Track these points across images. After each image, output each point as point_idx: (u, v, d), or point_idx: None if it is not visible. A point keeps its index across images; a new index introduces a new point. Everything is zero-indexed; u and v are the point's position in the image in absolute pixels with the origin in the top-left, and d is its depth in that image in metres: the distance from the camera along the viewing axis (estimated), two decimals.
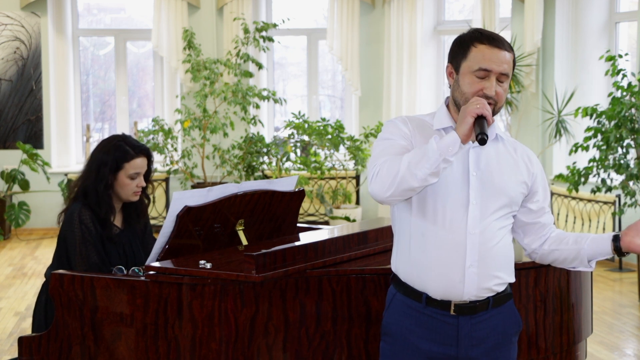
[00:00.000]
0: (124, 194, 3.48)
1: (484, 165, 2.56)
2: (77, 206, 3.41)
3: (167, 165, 9.40)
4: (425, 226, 2.54)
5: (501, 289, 2.62)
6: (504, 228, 2.60)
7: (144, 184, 3.50)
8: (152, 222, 3.76)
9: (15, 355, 4.18)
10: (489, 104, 2.47)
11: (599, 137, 6.57)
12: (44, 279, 3.51)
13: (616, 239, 2.58)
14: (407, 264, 2.60)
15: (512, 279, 2.67)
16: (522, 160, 2.64)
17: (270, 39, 9.36)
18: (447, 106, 2.62)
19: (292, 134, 9.25)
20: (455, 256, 2.52)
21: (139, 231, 3.59)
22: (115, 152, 3.45)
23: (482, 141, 2.37)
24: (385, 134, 2.58)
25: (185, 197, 3.15)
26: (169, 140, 9.28)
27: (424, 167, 2.38)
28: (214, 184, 9.07)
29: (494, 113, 2.51)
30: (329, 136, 9.03)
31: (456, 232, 2.52)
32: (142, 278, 2.99)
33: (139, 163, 3.48)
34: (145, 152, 3.51)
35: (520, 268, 3.19)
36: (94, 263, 3.35)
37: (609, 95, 6.67)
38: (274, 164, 9.34)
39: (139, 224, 3.59)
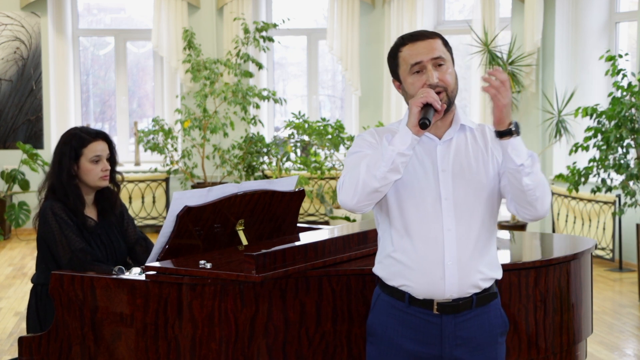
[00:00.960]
0: (90, 180, 3.48)
1: (453, 159, 2.57)
2: (48, 203, 3.43)
3: (167, 165, 9.40)
4: (403, 227, 2.56)
5: (486, 285, 2.60)
6: (485, 222, 2.58)
7: (108, 167, 3.51)
8: (152, 222, 3.77)
9: (15, 355, 4.17)
10: (439, 92, 2.49)
11: (599, 137, 6.57)
12: (34, 284, 3.51)
13: (494, 133, 2.47)
14: (389, 265, 2.61)
15: (497, 275, 2.65)
16: (491, 143, 2.61)
17: (270, 39, 9.36)
18: None
19: (292, 134, 9.25)
20: (434, 254, 2.53)
21: (115, 222, 3.59)
22: (72, 141, 3.49)
23: (424, 125, 2.40)
24: (354, 148, 2.61)
25: (186, 197, 3.15)
26: (169, 140, 9.28)
27: (381, 166, 2.42)
28: (214, 184, 9.07)
29: (450, 98, 2.53)
30: (329, 136, 9.03)
31: (432, 230, 2.53)
32: (142, 278, 2.99)
33: (98, 146, 3.49)
34: (102, 136, 3.53)
35: (521, 268, 3.19)
36: (78, 249, 3.34)
37: (609, 95, 6.66)
38: (274, 164, 9.34)
39: (113, 215, 3.59)
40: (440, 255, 2.53)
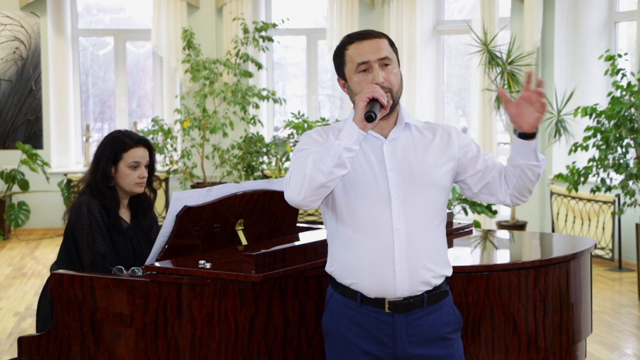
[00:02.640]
0: (126, 184, 3.52)
1: (401, 157, 2.58)
2: (86, 198, 3.47)
3: (166, 165, 9.40)
4: (352, 227, 2.57)
5: (437, 282, 2.62)
6: (434, 220, 2.60)
7: (145, 175, 3.54)
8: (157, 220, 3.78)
9: (15, 355, 4.17)
10: (385, 92, 2.51)
11: (599, 136, 6.57)
12: (48, 275, 3.52)
13: (519, 134, 2.53)
14: (339, 265, 2.63)
15: (447, 272, 2.67)
16: (440, 140, 2.64)
17: (270, 39, 9.36)
18: None
19: (292, 133, 9.25)
20: (383, 253, 2.54)
21: (146, 227, 3.62)
22: (113, 144, 3.53)
23: (369, 118, 2.42)
24: (300, 145, 2.61)
25: (185, 197, 3.15)
26: (169, 140, 9.28)
27: (327, 161, 2.43)
28: (213, 183, 9.07)
29: (395, 99, 2.55)
30: None
31: (382, 229, 2.54)
32: (142, 278, 2.99)
33: (138, 153, 3.52)
34: (144, 143, 3.56)
35: (520, 268, 3.19)
36: (99, 252, 3.37)
37: (609, 94, 6.66)
38: (273, 163, 9.35)
39: (145, 219, 3.63)
40: (390, 255, 2.54)
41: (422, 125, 2.67)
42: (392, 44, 2.61)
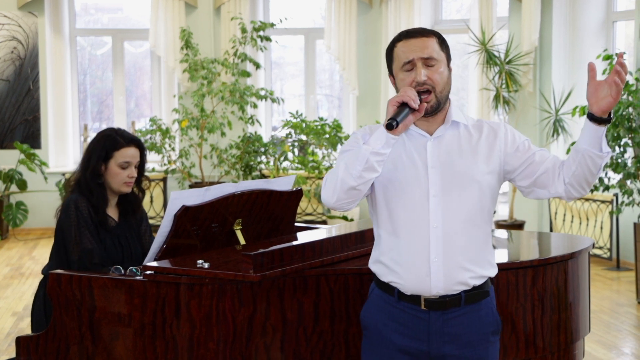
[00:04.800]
0: (114, 183, 3.51)
1: (444, 157, 2.57)
2: (74, 196, 3.47)
3: (164, 164, 9.40)
4: (391, 224, 2.58)
5: (476, 282, 2.60)
6: (474, 219, 2.57)
7: (135, 175, 3.53)
8: (150, 221, 3.77)
9: (13, 355, 4.17)
10: (427, 90, 2.50)
11: None
12: (42, 276, 3.52)
13: (590, 115, 2.46)
14: (380, 262, 2.64)
15: (490, 273, 2.64)
16: (486, 139, 2.61)
17: (268, 39, 9.36)
18: None
19: (290, 133, 9.25)
20: (420, 250, 2.54)
21: (134, 225, 3.61)
22: (105, 142, 3.51)
23: (389, 126, 2.41)
24: (346, 146, 2.61)
25: (183, 197, 3.15)
26: (167, 139, 9.27)
27: (356, 165, 2.44)
28: (211, 183, 9.06)
29: (438, 99, 2.53)
30: (327, 135, 9.03)
31: (419, 226, 2.54)
32: (140, 278, 2.99)
33: (130, 153, 3.51)
34: (136, 143, 3.55)
35: (518, 267, 3.19)
36: (86, 249, 3.36)
37: None
38: (271, 163, 9.34)
39: (134, 218, 3.62)
40: (426, 252, 2.54)
41: (472, 124, 2.65)
42: (441, 42, 2.58)
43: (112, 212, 3.57)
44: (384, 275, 2.62)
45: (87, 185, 3.48)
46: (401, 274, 2.57)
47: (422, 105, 2.47)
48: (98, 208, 3.47)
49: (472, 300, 2.60)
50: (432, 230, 2.54)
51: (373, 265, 2.69)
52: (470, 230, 2.57)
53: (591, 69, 2.44)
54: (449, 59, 2.60)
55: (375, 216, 2.64)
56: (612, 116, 2.47)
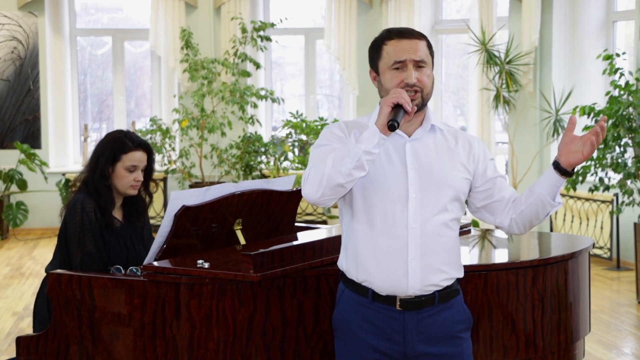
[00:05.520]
0: (121, 186, 3.51)
1: (423, 158, 2.59)
2: (81, 196, 3.47)
3: (164, 164, 9.40)
4: (367, 223, 2.58)
5: (448, 284, 2.63)
6: (449, 222, 2.61)
7: (141, 178, 3.54)
8: (150, 221, 3.77)
9: (13, 355, 4.17)
10: (416, 91, 2.54)
11: None
12: (44, 275, 3.52)
13: (556, 164, 2.59)
14: (352, 261, 2.63)
15: (460, 274, 2.68)
16: (462, 147, 2.66)
17: (268, 39, 9.36)
18: None
19: (290, 133, 9.25)
20: (397, 251, 2.55)
21: (139, 228, 3.62)
22: (114, 144, 3.52)
23: (392, 127, 2.42)
24: (321, 140, 2.62)
25: (183, 197, 3.15)
26: (167, 139, 9.28)
27: (347, 162, 2.43)
28: (211, 183, 9.06)
29: (424, 100, 2.58)
30: None
31: (397, 226, 2.55)
32: (140, 278, 2.99)
33: (137, 156, 3.52)
34: (144, 146, 3.55)
35: (518, 267, 3.19)
36: (88, 252, 3.36)
37: (607, 94, 6.67)
38: (271, 163, 9.34)
39: (139, 221, 3.62)
40: (404, 253, 2.55)
41: (447, 130, 2.69)
42: (429, 46, 2.62)
43: (118, 213, 3.58)
44: (356, 275, 2.62)
45: (94, 186, 3.48)
46: (376, 275, 2.58)
47: (413, 109, 2.49)
48: (104, 209, 3.48)
49: (445, 299, 2.63)
50: (410, 231, 2.55)
51: (344, 264, 2.68)
52: (446, 233, 2.61)
53: (571, 122, 2.57)
54: (433, 63, 2.65)
55: (348, 211, 2.63)
56: (574, 171, 2.60)
